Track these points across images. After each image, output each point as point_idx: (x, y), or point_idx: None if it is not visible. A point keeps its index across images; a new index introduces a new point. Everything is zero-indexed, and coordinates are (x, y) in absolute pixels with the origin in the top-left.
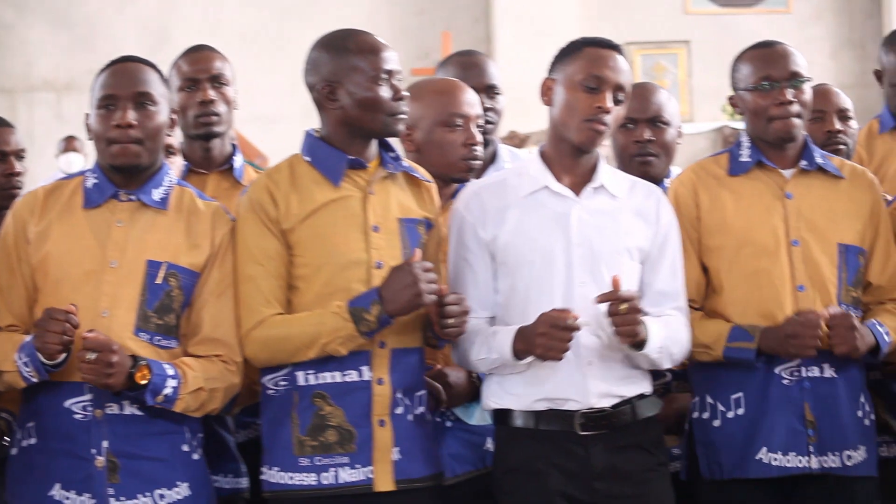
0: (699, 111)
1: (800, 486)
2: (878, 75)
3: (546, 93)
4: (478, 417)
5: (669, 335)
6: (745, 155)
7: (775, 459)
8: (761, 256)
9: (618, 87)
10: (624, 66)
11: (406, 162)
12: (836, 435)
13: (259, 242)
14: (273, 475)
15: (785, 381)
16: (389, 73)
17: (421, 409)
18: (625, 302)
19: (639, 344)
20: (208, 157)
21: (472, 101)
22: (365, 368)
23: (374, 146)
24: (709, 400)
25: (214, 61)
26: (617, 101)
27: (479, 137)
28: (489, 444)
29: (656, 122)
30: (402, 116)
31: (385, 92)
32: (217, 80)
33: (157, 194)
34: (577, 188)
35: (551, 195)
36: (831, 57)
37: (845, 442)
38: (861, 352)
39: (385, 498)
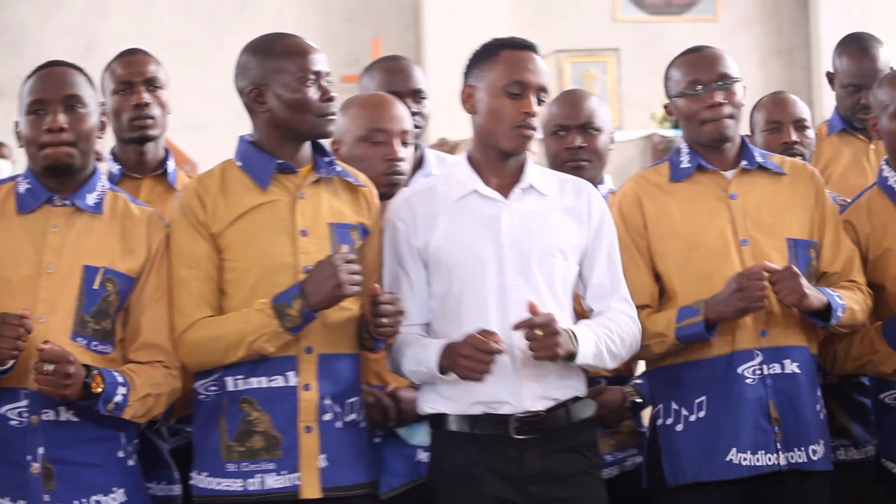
0: (628, 119)
1: (762, 487)
2: (830, 78)
3: (467, 100)
4: (420, 438)
5: (609, 336)
6: (684, 161)
7: (745, 459)
8: (712, 259)
9: (540, 89)
10: (543, 66)
11: (341, 166)
12: (800, 430)
13: (190, 246)
14: (202, 480)
15: (748, 381)
16: (317, 74)
17: (353, 417)
18: (540, 328)
19: (570, 356)
20: (142, 161)
21: (396, 116)
22: (291, 374)
23: (306, 150)
24: (673, 406)
25: (149, 64)
26: (540, 102)
27: (403, 153)
28: (421, 456)
29: (587, 128)
30: (331, 117)
31: (313, 93)
32: (151, 84)
33: (91, 199)
34: (505, 190)
35: (481, 199)
36: (759, 65)
37: (809, 436)
38: (811, 302)
39: None
